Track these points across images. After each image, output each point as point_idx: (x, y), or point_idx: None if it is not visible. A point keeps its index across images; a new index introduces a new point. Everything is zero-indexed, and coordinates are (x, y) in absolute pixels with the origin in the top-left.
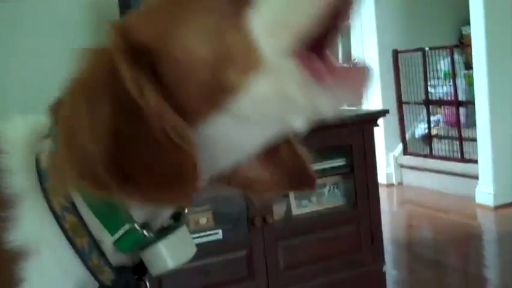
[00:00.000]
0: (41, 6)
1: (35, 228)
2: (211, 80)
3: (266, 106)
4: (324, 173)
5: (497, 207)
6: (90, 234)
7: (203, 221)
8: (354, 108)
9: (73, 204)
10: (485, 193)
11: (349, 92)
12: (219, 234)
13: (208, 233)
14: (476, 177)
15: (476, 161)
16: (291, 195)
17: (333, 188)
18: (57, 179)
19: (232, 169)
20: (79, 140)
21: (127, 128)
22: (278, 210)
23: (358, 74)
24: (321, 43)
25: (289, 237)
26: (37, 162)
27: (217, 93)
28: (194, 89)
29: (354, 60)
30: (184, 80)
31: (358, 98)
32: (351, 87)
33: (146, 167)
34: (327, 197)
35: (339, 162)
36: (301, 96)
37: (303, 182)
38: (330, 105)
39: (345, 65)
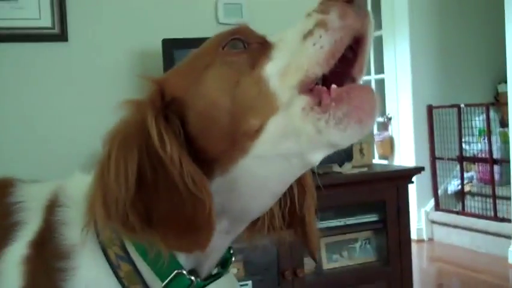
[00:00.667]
0: (87, 51)
1: (92, 277)
2: (233, 126)
3: (284, 143)
4: (356, 227)
5: None
6: (144, 282)
7: (233, 271)
8: (387, 163)
9: (127, 253)
10: None
11: (353, 113)
12: (248, 286)
13: (239, 283)
14: (509, 237)
15: (509, 220)
16: (323, 250)
17: (365, 243)
18: (90, 219)
19: (264, 213)
20: (108, 184)
21: (151, 175)
22: (308, 264)
23: (358, 92)
24: (340, 76)
25: None
26: None
27: (239, 138)
28: (218, 136)
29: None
30: (209, 127)
31: (365, 116)
32: (353, 107)
33: (167, 213)
34: (359, 252)
35: (372, 217)
36: (310, 128)
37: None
38: (339, 130)
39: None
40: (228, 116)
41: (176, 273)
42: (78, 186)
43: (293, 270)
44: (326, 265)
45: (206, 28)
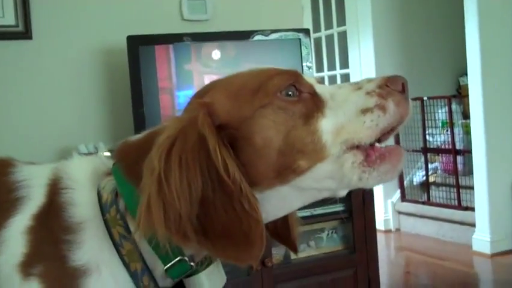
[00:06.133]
0: (52, 49)
1: (96, 251)
2: (281, 162)
3: (325, 182)
4: (323, 217)
5: (493, 255)
6: (143, 260)
7: None
8: None
9: (130, 234)
10: (482, 241)
11: (390, 169)
12: None
13: None
14: (473, 225)
15: (473, 209)
16: None
17: (332, 232)
18: (146, 226)
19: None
20: (170, 199)
21: (212, 194)
22: (277, 254)
23: (396, 155)
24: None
25: (287, 281)
26: (99, 196)
27: (284, 172)
28: (265, 167)
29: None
30: (257, 158)
31: (397, 172)
32: (392, 165)
33: (223, 229)
34: (326, 242)
35: (338, 207)
36: (355, 177)
37: (287, 244)
38: (376, 180)
39: (384, 147)
40: (278, 153)
41: (180, 259)
42: (80, 169)
43: (261, 261)
44: (294, 255)
45: (171, 24)
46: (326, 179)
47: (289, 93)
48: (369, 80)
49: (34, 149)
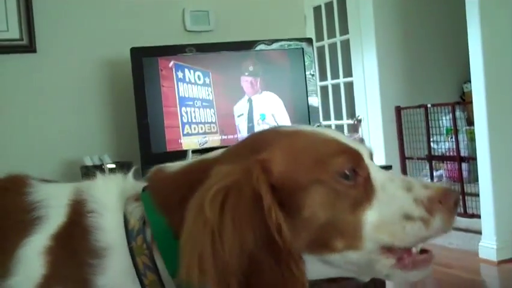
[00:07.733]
0: (56, 61)
1: (119, 279)
2: (319, 236)
3: (352, 267)
4: None
5: (500, 262)
6: None
7: None
8: None
9: (155, 264)
10: (488, 248)
11: (418, 275)
12: None
13: None
14: (479, 232)
15: (479, 216)
16: None
17: None
18: (193, 274)
19: None
20: (222, 252)
21: (262, 254)
22: None
23: (428, 262)
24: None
25: None
26: (125, 221)
27: (319, 245)
28: (302, 236)
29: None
30: (300, 228)
31: (422, 277)
32: (421, 272)
33: (267, 287)
34: None
35: None
36: (383, 273)
37: None
38: (401, 279)
39: (417, 251)
40: (319, 228)
41: None
42: (106, 191)
43: None
44: None
45: (174, 36)
46: (353, 264)
47: (347, 174)
48: (424, 186)
49: (39, 161)
